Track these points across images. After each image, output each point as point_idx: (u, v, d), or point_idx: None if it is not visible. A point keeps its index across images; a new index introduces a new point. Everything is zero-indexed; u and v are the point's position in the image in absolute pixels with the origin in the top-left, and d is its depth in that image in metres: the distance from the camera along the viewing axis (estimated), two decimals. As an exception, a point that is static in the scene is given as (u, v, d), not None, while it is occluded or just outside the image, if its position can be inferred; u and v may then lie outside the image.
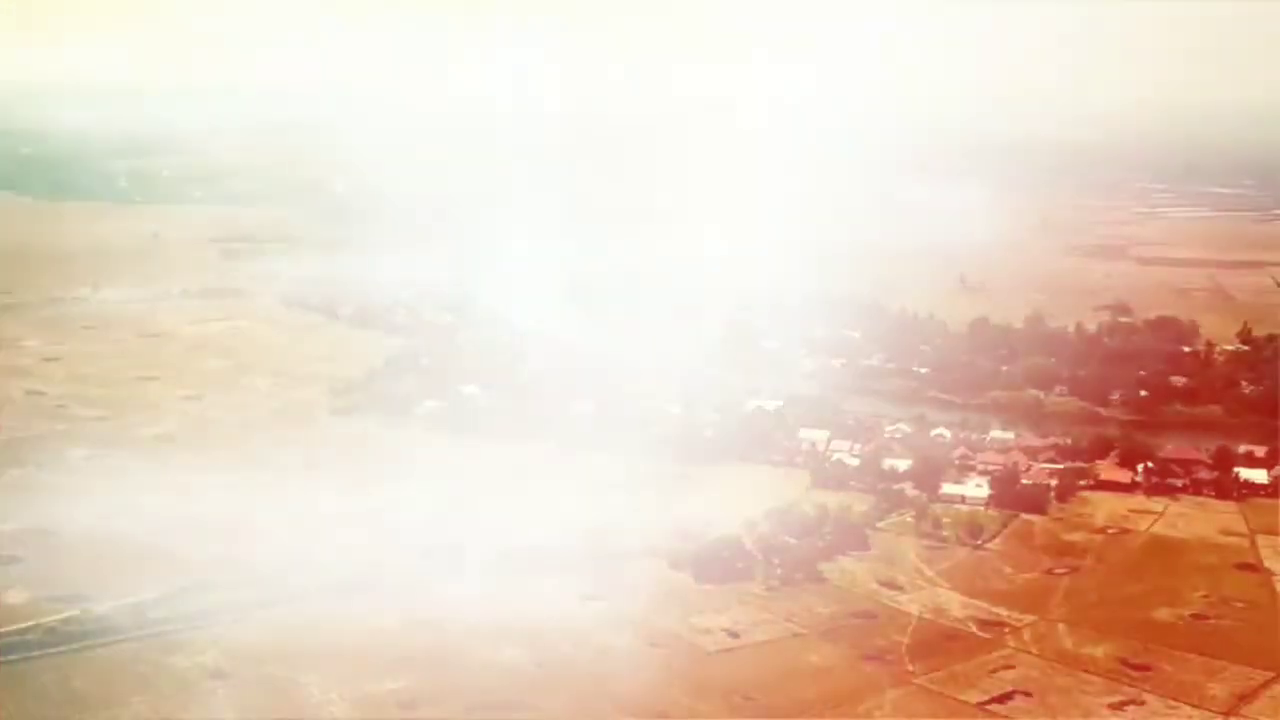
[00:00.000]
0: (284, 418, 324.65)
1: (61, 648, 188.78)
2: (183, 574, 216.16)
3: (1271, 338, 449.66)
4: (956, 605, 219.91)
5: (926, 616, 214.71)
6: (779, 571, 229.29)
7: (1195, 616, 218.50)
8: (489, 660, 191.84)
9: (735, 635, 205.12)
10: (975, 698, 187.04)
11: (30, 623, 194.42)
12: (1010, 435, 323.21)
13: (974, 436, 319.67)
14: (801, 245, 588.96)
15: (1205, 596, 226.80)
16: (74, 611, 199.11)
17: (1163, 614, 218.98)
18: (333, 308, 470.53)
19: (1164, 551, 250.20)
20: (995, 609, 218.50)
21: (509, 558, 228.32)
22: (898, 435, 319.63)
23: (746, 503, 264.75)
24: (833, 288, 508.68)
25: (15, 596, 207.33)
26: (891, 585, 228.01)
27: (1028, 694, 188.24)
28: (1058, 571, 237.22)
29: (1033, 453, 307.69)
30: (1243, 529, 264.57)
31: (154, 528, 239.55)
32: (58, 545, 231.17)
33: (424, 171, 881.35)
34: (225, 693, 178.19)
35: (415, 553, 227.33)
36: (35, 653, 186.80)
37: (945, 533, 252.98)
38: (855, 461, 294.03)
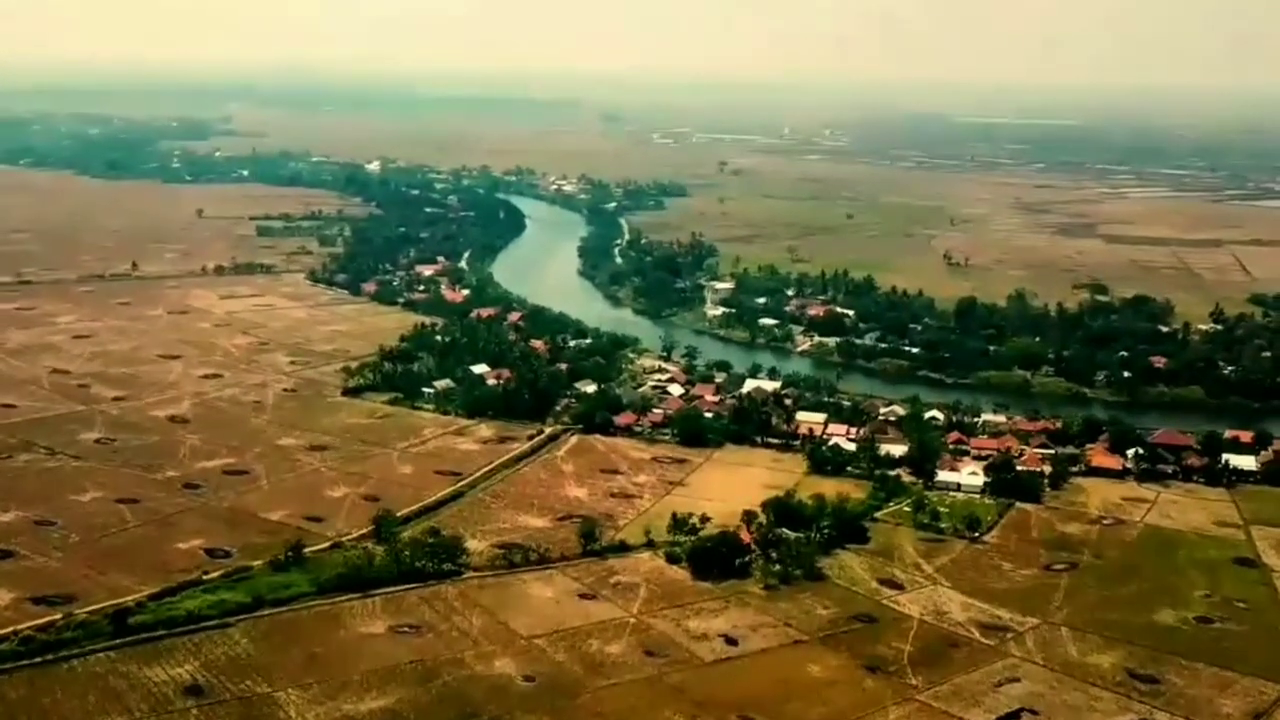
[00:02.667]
0: (297, 398, 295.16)
1: (36, 659, 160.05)
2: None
3: (1241, 317, 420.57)
4: (957, 607, 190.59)
5: (928, 620, 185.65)
6: (778, 568, 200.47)
7: (1200, 620, 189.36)
8: (477, 673, 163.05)
9: (734, 643, 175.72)
10: (981, 716, 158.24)
11: (7, 630, 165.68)
12: (1001, 418, 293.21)
13: (967, 419, 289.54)
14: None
15: (1207, 596, 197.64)
16: (55, 616, 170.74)
17: (1166, 616, 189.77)
18: (357, 284, 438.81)
19: (1161, 545, 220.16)
20: (997, 611, 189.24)
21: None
22: (892, 418, 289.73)
23: (746, 488, 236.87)
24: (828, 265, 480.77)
25: (1, 596, 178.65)
26: (891, 583, 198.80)
27: (1034, 712, 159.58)
28: (1056, 568, 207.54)
29: (1024, 436, 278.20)
30: (1236, 519, 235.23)
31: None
32: (56, 538, 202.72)
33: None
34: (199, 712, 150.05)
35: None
36: (7, 665, 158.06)
37: (943, 524, 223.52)
38: (852, 446, 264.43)
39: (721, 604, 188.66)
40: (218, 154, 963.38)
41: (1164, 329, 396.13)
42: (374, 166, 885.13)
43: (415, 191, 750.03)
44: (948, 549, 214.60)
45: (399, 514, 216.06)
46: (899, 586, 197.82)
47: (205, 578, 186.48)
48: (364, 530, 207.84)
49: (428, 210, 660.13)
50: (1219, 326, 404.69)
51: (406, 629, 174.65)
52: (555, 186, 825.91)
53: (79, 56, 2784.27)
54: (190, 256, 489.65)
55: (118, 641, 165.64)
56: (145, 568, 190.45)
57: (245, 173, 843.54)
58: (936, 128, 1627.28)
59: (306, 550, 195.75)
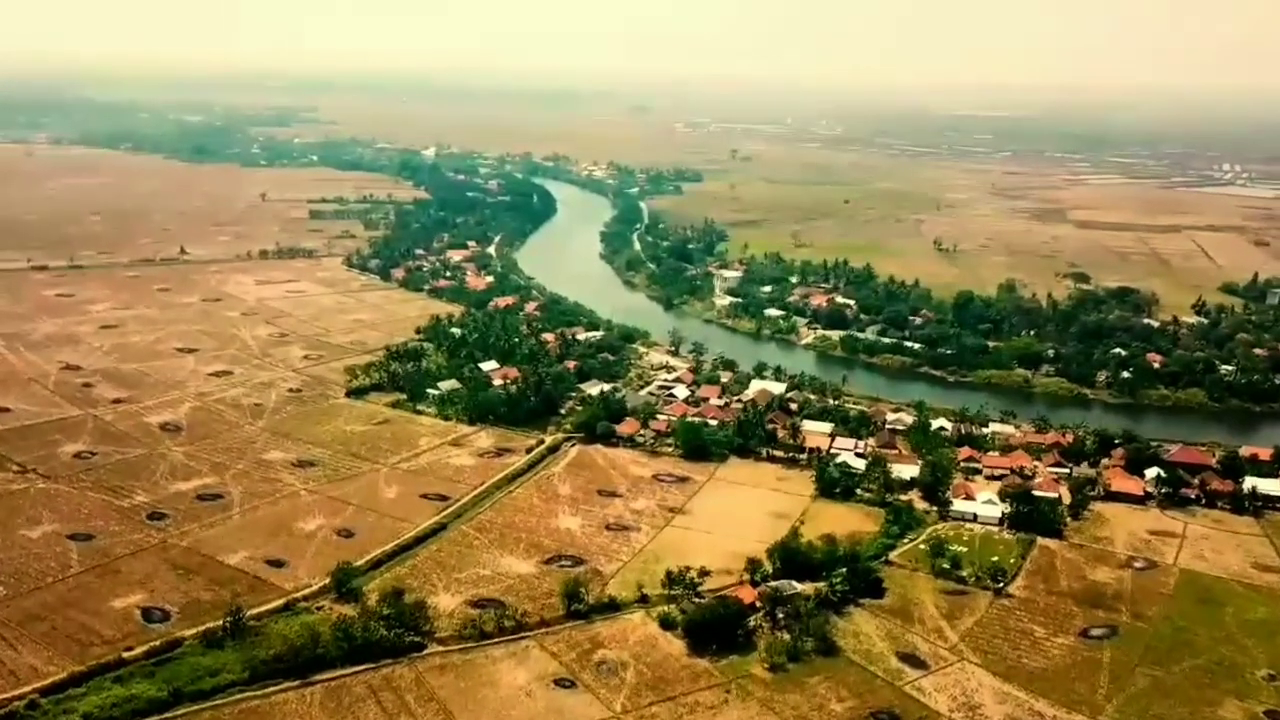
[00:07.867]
0: (300, 399, 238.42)
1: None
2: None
3: (1222, 309, 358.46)
4: (990, 696, 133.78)
5: (957, 718, 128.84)
6: (785, 638, 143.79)
7: (1272, 716, 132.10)
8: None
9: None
10: None
11: None
12: (1010, 428, 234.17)
13: (975, 431, 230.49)
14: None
15: (1272, 679, 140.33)
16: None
17: (1232, 712, 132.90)
18: (388, 270, 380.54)
19: (1202, 598, 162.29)
20: (1036, 704, 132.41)
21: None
22: (899, 427, 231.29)
23: (750, 517, 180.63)
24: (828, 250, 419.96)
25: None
26: (914, 659, 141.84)
27: None
28: (1094, 634, 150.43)
29: (1036, 450, 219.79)
30: (1275, 559, 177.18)
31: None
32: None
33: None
34: None
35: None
36: None
37: (964, 572, 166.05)
38: (860, 464, 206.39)
39: (720, 695, 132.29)
40: (295, 140, 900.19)
41: (1153, 323, 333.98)
42: (429, 152, 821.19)
43: (461, 176, 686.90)
44: (971, 605, 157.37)
45: (370, 555, 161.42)
46: (923, 665, 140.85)
47: (126, 656, 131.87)
48: (324, 583, 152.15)
49: (469, 195, 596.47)
50: (1203, 320, 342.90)
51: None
52: (587, 172, 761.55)
53: (214, 60, 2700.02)
54: (241, 240, 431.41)
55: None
56: (65, 639, 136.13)
57: (315, 158, 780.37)
58: (915, 119, 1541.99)
59: (251, 614, 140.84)
